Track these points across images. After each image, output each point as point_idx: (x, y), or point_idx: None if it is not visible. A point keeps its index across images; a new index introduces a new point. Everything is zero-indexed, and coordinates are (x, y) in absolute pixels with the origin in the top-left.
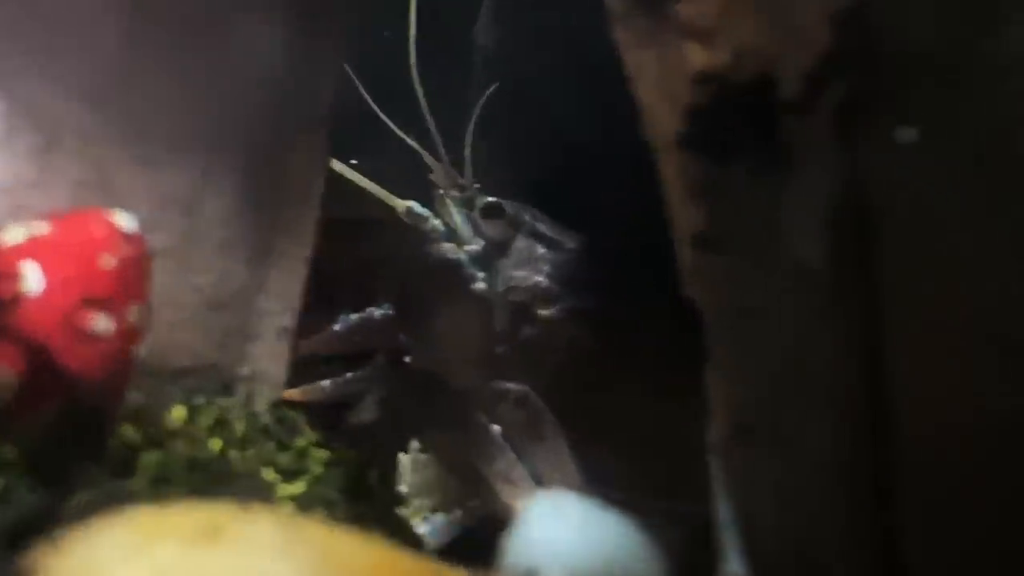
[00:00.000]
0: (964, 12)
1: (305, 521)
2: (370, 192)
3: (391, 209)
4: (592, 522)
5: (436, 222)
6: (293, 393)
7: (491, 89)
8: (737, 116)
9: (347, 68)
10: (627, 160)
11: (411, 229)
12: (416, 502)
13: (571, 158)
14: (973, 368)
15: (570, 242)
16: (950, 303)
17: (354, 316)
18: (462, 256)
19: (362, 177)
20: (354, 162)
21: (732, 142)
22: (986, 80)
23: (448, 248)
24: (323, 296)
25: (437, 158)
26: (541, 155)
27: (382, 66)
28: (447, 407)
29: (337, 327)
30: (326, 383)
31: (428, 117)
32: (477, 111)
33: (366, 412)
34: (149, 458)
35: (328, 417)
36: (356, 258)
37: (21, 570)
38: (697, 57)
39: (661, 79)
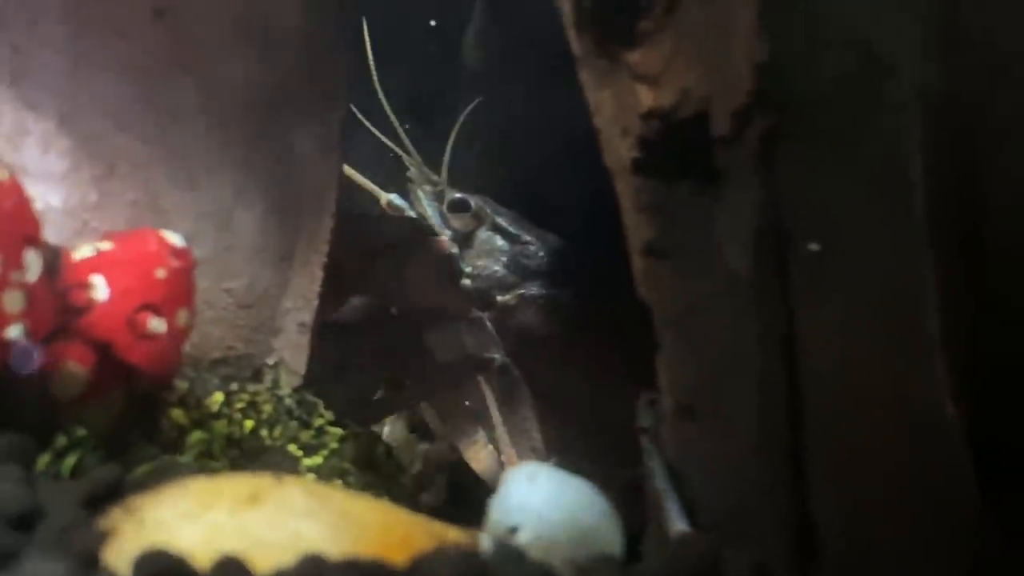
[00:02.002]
0: (863, 59)
1: (328, 488)
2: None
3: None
4: (561, 487)
5: (412, 213)
6: None
7: (474, 103)
8: (679, 146)
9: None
10: (589, 168)
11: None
12: None
13: (542, 164)
14: (869, 355)
15: (528, 235)
16: (851, 302)
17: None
18: (455, 250)
19: (356, 174)
20: None
21: (675, 167)
22: (881, 114)
23: (447, 243)
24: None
25: (412, 159)
26: (517, 160)
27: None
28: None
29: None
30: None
31: (398, 127)
32: (460, 121)
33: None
34: (195, 437)
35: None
36: (360, 247)
37: (99, 529)
38: (646, 97)
39: (616, 114)
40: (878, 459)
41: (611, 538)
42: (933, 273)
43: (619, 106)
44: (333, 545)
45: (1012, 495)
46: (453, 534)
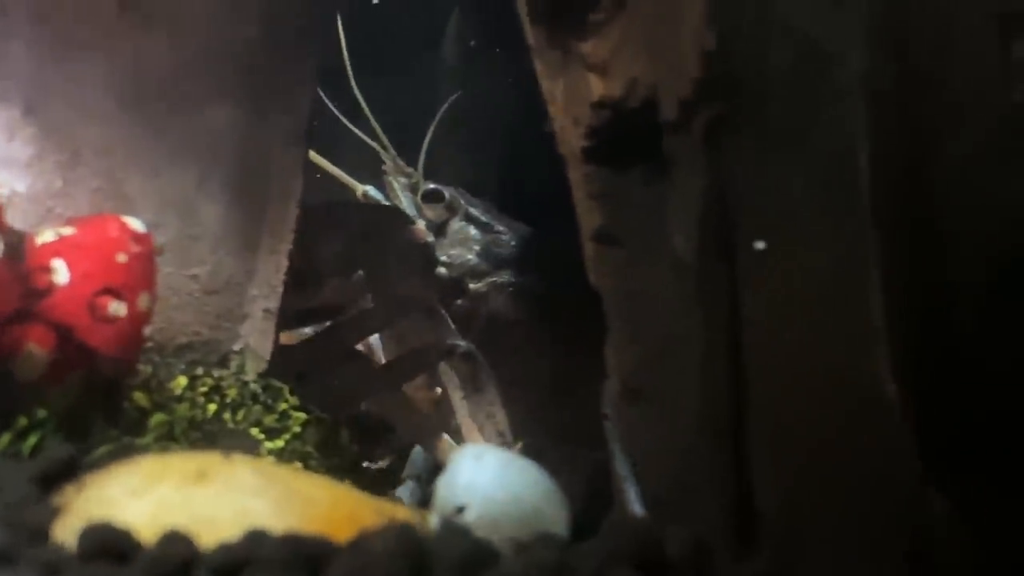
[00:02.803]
0: (809, 46)
1: (276, 466)
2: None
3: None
4: (507, 468)
5: (387, 204)
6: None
7: (452, 98)
8: (629, 134)
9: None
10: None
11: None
12: None
13: (514, 158)
14: (813, 340)
15: (499, 225)
16: (796, 287)
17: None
18: (431, 239)
19: (330, 165)
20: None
21: (625, 155)
22: (827, 103)
23: (424, 231)
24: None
25: (387, 152)
26: (492, 153)
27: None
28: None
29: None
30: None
31: (373, 121)
32: (439, 115)
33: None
34: (157, 419)
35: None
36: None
37: (51, 506)
38: (596, 86)
39: (569, 103)
40: (820, 442)
41: (556, 517)
42: (878, 258)
43: (571, 96)
44: (279, 521)
45: (959, 477)
46: (402, 512)
